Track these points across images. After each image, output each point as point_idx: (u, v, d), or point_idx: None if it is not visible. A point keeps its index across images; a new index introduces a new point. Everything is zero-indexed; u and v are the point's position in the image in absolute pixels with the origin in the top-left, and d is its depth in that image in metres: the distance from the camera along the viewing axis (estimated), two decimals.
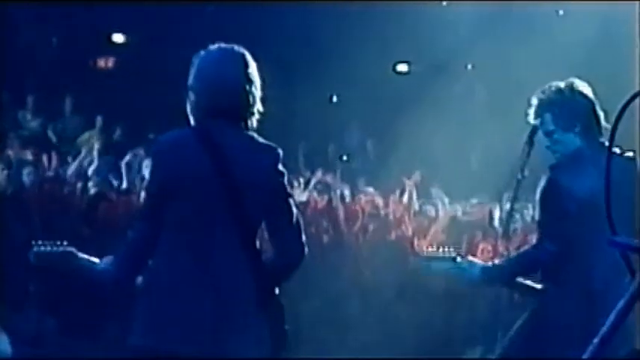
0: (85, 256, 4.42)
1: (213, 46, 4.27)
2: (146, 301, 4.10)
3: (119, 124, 11.97)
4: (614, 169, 5.13)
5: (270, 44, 12.49)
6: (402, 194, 10.10)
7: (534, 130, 5.48)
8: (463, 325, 8.22)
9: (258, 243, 4.15)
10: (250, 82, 4.21)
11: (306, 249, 4.24)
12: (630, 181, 5.14)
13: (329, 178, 10.30)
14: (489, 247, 9.11)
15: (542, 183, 5.30)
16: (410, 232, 9.30)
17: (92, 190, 8.96)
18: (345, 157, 12.77)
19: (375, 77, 13.17)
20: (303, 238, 4.24)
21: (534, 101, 5.30)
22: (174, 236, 4.06)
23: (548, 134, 5.28)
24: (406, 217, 9.57)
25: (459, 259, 5.67)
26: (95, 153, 10.20)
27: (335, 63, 12.95)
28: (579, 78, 5.43)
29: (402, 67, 14.12)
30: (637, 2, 7.60)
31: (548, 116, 5.25)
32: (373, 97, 13.02)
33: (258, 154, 4.16)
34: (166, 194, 4.08)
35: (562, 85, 5.27)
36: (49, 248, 4.48)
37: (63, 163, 10.05)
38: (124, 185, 9.54)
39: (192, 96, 4.22)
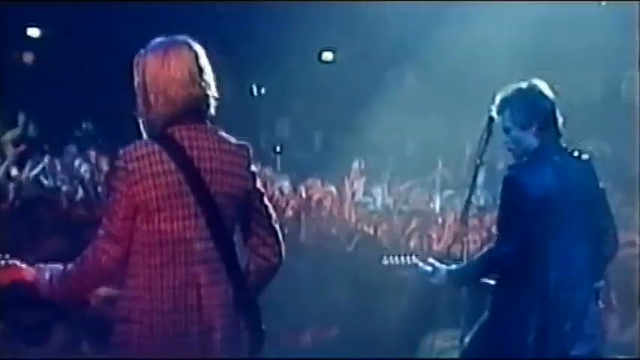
0: (32, 269, 4.16)
1: (155, 42, 4.09)
2: (130, 328, 3.97)
3: (44, 122, 11.58)
4: (573, 171, 5.28)
5: (192, 37, 12.17)
6: (342, 184, 9.97)
7: (492, 118, 5.52)
8: (415, 315, 8.09)
9: (236, 248, 4.07)
10: (202, 72, 4.06)
11: (284, 250, 4.16)
12: (587, 184, 5.28)
13: (267, 171, 10.10)
14: (434, 235, 9.03)
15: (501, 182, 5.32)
16: (354, 224, 9.18)
17: (24, 192, 8.59)
18: (278, 149, 12.57)
19: (301, 66, 12.98)
20: (281, 238, 4.19)
21: (497, 98, 5.41)
22: (149, 254, 3.96)
23: (506, 131, 5.38)
24: (349, 208, 9.44)
25: (420, 264, 5.69)
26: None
27: (259, 54, 12.76)
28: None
29: (328, 56, 13.94)
30: (637, 2, 7.63)
31: (506, 114, 5.42)
32: (300, 87, 12.82)
33: (230, 155, 4.06)
34: (138, 212, 3.94)
35: (523, 85, 5.41)
36: None
37: None
38: (56, 184, 9.19)
39: (144, 100, 4.03)
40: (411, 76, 12.97)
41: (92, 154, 10.41)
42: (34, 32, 13.49)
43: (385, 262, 5.83)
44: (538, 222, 5.12)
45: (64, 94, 12.04)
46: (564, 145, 5.32)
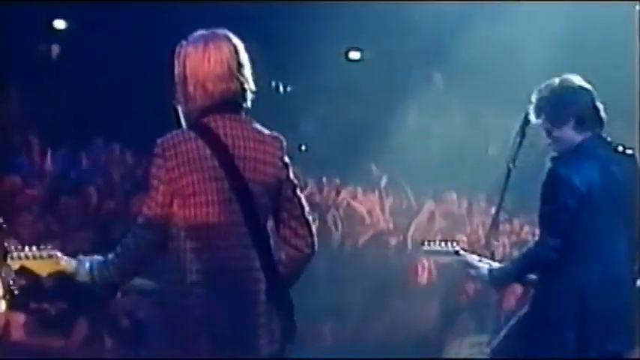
0: (72, 260, 4.24)
1: (196, 35, 4.15)
2: (165, 311, 4.07)
3: (70, 115, 11.53)
4: (617, 166, 5.17)
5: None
6: (368, 184, 9.92)
7: (526, 120, 5.43)
8: (448, 317, 8.02)
9: (270, 238, 4.08)
10: (241, 66, 4.13)
11: (316, 241, 4.18)
12: (630, 179, 5.18)
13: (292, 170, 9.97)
14: (463, 237, 8.96)
15: (543, 175, 5.22)
16: (383, 224, 9.12)
17: (54, 186, 8.56)
18: (303, 147, 12.52)
19: (327, 65, 12.90)
20: (313, 230, 4.22)
21: (533, 99, 5.29)
22: (184, 239, 4.02)
23: (547, 133, 5.27)
24: (376, 209, 9.38)
25: (461, 252, 5.59)
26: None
27: (285, 52, 12.69)
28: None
29: (355, 55, 13.86)
30: (637, 2, 7.56)
31: (543, 115, 5.25)
32: (327, 86, 12.75)
33: (263, 145, 4.12)
34: (174, 198, 4.02)
35: (555, 82, 5.26)
36: (30, 254, 4.24)
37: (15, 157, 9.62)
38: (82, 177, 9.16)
39: (183, 91, 4.12)
40: (437, 76, 12.89)
41: (117, 147, 10.39)
42: (59, 24, 13.43)
43: (426, 247, 5.70)
44: (582, 217, 5.04)
45: (90, 87, 12.00)
46: (608, 139, 5.20)
